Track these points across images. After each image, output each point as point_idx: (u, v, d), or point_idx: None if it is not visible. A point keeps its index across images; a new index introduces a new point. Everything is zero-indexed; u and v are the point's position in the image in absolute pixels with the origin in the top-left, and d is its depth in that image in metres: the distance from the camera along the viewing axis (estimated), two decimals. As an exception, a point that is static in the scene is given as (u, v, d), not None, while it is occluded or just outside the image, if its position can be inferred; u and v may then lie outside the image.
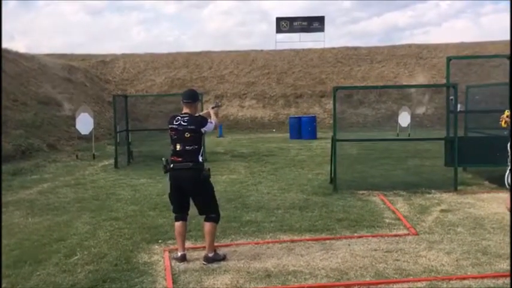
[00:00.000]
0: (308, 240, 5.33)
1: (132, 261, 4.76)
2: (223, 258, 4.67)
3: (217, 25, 77.49)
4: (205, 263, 4.59)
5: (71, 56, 30.46)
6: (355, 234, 5.49)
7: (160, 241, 5.40)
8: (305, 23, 33.96)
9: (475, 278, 4.05)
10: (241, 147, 16.85)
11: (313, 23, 33.92)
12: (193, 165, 4.59)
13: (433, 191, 7.89)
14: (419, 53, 30.54)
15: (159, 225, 6.07)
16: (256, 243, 5.23)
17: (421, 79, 27.08)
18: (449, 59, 8.32)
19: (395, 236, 5.41)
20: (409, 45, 32.25)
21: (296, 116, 22.98)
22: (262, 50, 33.37)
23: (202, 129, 4.67)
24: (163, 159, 4.81)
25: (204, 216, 4.79)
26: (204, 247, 4.77)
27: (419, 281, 4.02)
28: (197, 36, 72.44)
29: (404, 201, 7.27)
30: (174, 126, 4.70)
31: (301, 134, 20.32)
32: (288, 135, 21.16)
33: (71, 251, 5.09)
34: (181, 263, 4.64)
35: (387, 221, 6.10)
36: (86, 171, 11.55)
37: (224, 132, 24.00)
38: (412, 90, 26.18)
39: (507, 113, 4.58)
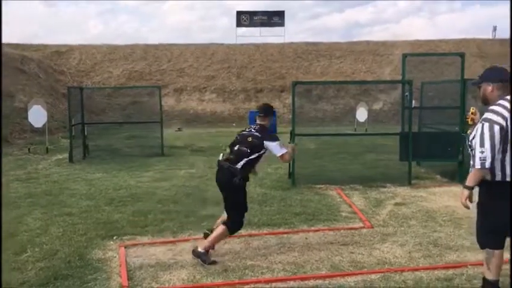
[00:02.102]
0: (266, 234, 5.35)
1: (85, 257, 4.63)
2: (211, 262, 4.37)
3: (178, 19, 76.49)
4: (193, 255, 4.45)
5: (23, 46, 29.28)
6: (312, 228, 5.56)
7: (115, 237, 5.28)
8: (265, 18, 33.99)
9: (426, 269, 4.18)
10: (201, 141, 16.72)
11: (273, 18, 34.00)
12: (230, 167, 4.52)
13: (388, 184, 8.09)
14: (377, 50, 31.19)
15: (115, 221, 5.94)
16: (214, 238, 5.19)
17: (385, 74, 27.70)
18: (405, 56, 8.52)
19: (351, 229, 5.52)
20: (367, 42, 32.86)
21: (256, 110, 22.98)
22: (222, 44, 33.18)
23: (265, 143, 4.55)
24: (221, 154, 4.82)
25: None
26: (162, 242, 4.69)
27: (373, 273, 4.11)
28: (157, 30, 71.33)
29: (361, 194, 7.42)
30: (244, 132, 4.77)
31: (260, 128, 20.34)
32: (247, 129, 21.13)
33: (21, 248, 4.90)
34: (137, 259, 4.55)
35: (343, 214, 6.20)
36: (39, 165, 11.15)
37: (183, 126, 23.79)
38: (370, 85, 26.75)
39: (472, 110, 4.77)
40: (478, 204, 3.57)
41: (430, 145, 8.34)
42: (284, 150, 4.62)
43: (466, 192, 3.48)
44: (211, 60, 31.07)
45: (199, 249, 4.43)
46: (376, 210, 6.41)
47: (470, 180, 3.47)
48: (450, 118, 8.85)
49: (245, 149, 4.54)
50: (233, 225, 4.56)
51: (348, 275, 4.08)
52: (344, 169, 9.77)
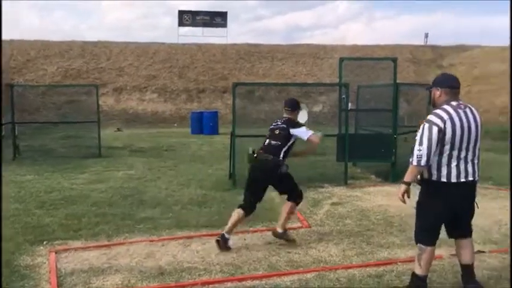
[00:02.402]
0: (205, 236, 5.32)
1: (12, 264, 4.39)
2: (292, 240, 4.97)
3: (118, 16, 74.41)
4: (274, 237, 4.98)
5: None
6: (251, 229, 5.58)
7: (45, 242, 5.05)
8: (207, 18, 33.81)
9: (359, 266, 4.32)
10: (141, 141, 16.37)
11: (216, 18, 33.91)
12: (273, 158, 4.87)
13: (325, 185, 8.29)
14: (317, 53, 31.89)
15: (45, 225, 5.68)
16: (151, 241, 5.10)
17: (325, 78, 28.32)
18: (341, 60, 8.78)
19: (289, 229, 5.56)
20: (308, 45, 33.52)
21: (198, 111, 22.86)
22: (164, 43, 32.66)
23: (291, 130, 4.88)
24: (250, 148, 5.22)
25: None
26: (96, 246, 4.54)
27: (308, 272, 4.20)
28: (96, 28, 69.02)
29: (299, 195, 7.54)
30: (271, 126, 5.13)
31: (202, 129, 20.27)
32: (189, 130, 20.98)
33: None
34: (69, 264, 4.37)
35: (282, 214, 6.27)
36: (-37, 167, 10.45)
37: (123, 126, 23.19)
38: (311, 88, 27.30)
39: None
40: (417, 202, 3.76)
41: (366, 146, 8.64)
42: (311, 133, 4.91)
43: (403, 187, 3.66)
44: (153, 59, 30.49)
45: (279, 230, 4.91)
46: (314, 210, 6.55)
47: (407, 176, 3.66)
48: (384, 120, 9.19)
49: (276, 142, 4.94)
50: (298, 196, 5.07)
51: (284, 274, 4.14)
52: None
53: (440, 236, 3.74)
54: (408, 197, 3.68)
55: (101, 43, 31.59)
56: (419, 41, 34.43)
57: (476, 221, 5.85)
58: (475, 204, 3.77)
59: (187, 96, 28.33)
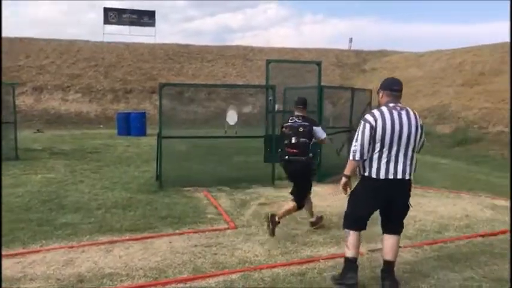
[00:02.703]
0: (128, 240, 5.16)
1: None
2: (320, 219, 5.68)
3: (39, 11, 70.56)
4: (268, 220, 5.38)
5: None
6: (177, 231, 5.51)
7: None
8: (135, 16, 33.01)
9: (283, 265, 4.39)
10: (63, 143, 15.63)
11: (144, 17, 33.19)
12: (305, 159, 5.43)
13: (253, 185, 8.37)
14: (247, 55, 32.18)
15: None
16: (70, 247, 4.87)
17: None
18: (268, 62, 8.90)
19: (216, 230, 5.58)
20: (237, 47, 33.73)
21: (125, 111, 22.22)
22: (88, 41, 31.43)
23: (314, 128, 5.49)
24: (279, 150, 5.86)
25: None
26: (10, 255, 4.25)
27: (233, 272, 4.20)
28: (15, 23, 65.03)
29: (227, 196, 7.56)
30: (288, 124, 5.58)
31: (129, 130, 19.74)
32: (115, 131, 20.34)
33: None
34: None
35: (209, 216, 6.26)
36: None
37: (43, 128, 22.03)
38: (240, 89, 27.47)
39: None
40: (351, 192, 4.06)
41: (292, 147, 8.79)
42: (325, 133, 5.71)
43: (343, 179, 4.01)
44: (76, 57, 29.25)
45: (277, 218, 5.32)
46: (241, 211, 6.59)
47: (346, 169, 4.00)
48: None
49: (304, 139, 5.42)
50: (301, 202, 5.48)
51: (209, 276, 4.12)
52: (212, 171, 9.86)
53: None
54: (350, 188, 4.03)
55: (19, 39, 29.81)
56: (345, 46, 35.83)
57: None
58: (409, 204, 3.99)
59: (114, 96, 27.46)
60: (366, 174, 3.88)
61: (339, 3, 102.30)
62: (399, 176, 3.81)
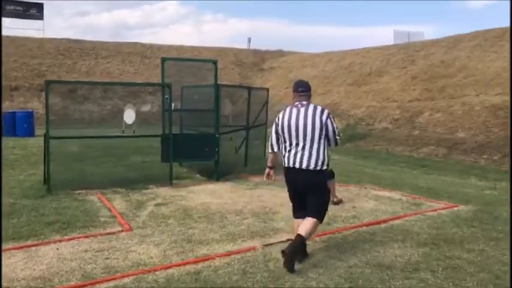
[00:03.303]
0: (10, 249, 4.77)
1: None
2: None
3: None
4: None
5: None
6: (66, 237, 5.20)
7: None
8: (20, 8, 30.56)
9: (178, 265, 4.34)
10: None
11: (31, 10, 30.85)
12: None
13: (150, 186, 8.18)
14: (144, 52, 31.32)
15: None
16: None
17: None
18: (164, 60, 8.75)
19: (109, 234, 5.37)
20: (135, 44, 32.69)
21: (10, 110, 20.51)
22: (-35, 33, 28.50)
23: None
24: None
25: None
26: None
27: (126, 276, 4.07)
28: None
29: (122, 198, 7.31)
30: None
31: (15, 130, 18.29)
32: (-1, 132, 18.68)
33: None
34: None
35: (102, 219, 6.00)
36: None
37: None
38: (139, 87, 26.69)
39: None
40: None
41: (190, 146, 8.76)
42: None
43: (267, 170, 4.78)
44: (-49, 51, 26.36)
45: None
46: (137, 212, 6.40)
47: (268, 161, 4.78)
48: (210, 121, 9.41)
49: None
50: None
51: (99, 282, 3.95)
52: (107, 172, 9.46)
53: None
54: (272, 178, 4.79)
55: None
56: (244, 45, 36.39)
57: (286, 211, 6.44)
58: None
59: (-3, 94, 25.18)
60: (284, 165, 4.54)
61: (239, 3, 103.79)
62: (299, 166, 4.35)
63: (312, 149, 4.31)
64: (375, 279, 4.07)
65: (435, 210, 6.71)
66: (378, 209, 6.77)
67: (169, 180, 8.39)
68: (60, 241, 5.06)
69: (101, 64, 29.27)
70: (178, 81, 10.94)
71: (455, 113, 14.55)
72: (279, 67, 30.07)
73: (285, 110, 4.50)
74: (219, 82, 9.35)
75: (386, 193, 7.93)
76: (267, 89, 12.53)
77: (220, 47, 33.78)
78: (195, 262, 4.45)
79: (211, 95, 9.25)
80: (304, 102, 4.43)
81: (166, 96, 8.42)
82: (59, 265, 4.34)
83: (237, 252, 4.71)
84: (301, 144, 4.33)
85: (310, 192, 4.43)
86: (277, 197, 7.30)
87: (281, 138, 4.48)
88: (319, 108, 4.40)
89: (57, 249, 4.80)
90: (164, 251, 4.77)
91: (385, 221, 6.05)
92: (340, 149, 15.46)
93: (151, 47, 32.11)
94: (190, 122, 10.70)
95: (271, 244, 4.96)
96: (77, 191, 7.60)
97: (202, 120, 10.26)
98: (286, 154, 4.43)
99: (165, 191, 7.85)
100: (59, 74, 26.44)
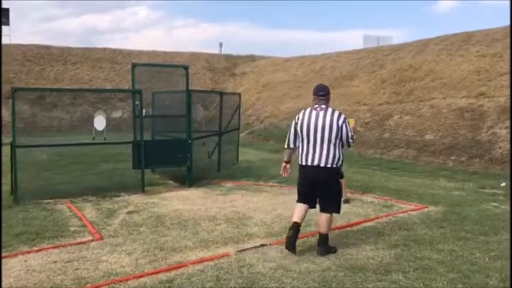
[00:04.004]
0: (-25, 263, 4.62)
1: None
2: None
3: None
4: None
5: None
6: (34, 248, 5.07)
7: None
8: (-16, 13, 29.77)
9: (151, 274, 4.28)
10: None
11: (-4, 15, 30.07)
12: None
13: (122, 193, 8.05)
14: (115, 58, 30.88)
15: None
16: None
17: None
18: (134, 66, 8.64)
19: (79, 243, 5.26)
20: (104, 49, 32.21)
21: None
22: None
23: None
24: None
25: None
26: None
27: (97, 287, 3.99)
28: None
29: (93, 206, 7.18)
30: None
31: (-19, 139, 17.73)
32: (-37, 141, 18.08)
33: None
34: None
35: (72, 229, 5.88)
36: None
37: None
38: (110, 94, 26.31)
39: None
40: None
41: (162, 152, 8.66)
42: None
43: (283, 164, 5.15)
44: None
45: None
46: (108, 221, 6.29)
47: (284, 156, 5.16)
48: (182, 126, 9.34)
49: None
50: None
51: (69, 294, 3.86)
52: (77, 181, 9.28)
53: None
54: (289, 172, 5.13)
55: None
56: (216, 50, 36.30)
57: (259, 216, 6.45)
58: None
59: (-40, 102, 24.42)
60: (298, 161, 4.96)
61: (211, 8, 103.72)
62: (315, 163, 4.80)
63: (328, 148, 4.78)
64: (348, 282, 4.10)
65: (406, 211, 6.82)
66: (350, 211, 6.84)
67: (142, 187, 8.28)
68: (28, 252, 4.93)
69: (69, 70, 28.72)
70: (149, 87, 10.84)
71: (424, 116, 14.86)
72: (251, 72, 30.12)
73: (305, 111, 4.95)
74: (191, 87, 9.29)
75: (358, 196, 8.02)
76: (239, 94, 12.55)
77: (192, 52, 33.62)
78: (168, 270, 4.39)
79: (183, 100, 9.19)
80: (323, 106, 4.85)
81: (137, 103, 8.32)
82: (28, 277, 4.22)
83: (211, 259, 4.68)
84: (318, 143, 4.79)
85: (324, 187, 4.87)
86: (250, 202, 7.30)
87: (299, 137, 4.91)
88: (336, 113, 4.85)
89: (26, 261, 4.67)
90: (136, 260, 4.70)
91: (357, 224, 6.12)
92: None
93: (121, 52, 31.69)
94: (162, 128, 10.59)
95: (245, 250, 4.95)
96: (46, 201, 7.44)
97: (174, 126, 10.16)
98: (304, 152, 4.87)
99: (137, 199, 7.75)
100: (26, 81, 25.83)
